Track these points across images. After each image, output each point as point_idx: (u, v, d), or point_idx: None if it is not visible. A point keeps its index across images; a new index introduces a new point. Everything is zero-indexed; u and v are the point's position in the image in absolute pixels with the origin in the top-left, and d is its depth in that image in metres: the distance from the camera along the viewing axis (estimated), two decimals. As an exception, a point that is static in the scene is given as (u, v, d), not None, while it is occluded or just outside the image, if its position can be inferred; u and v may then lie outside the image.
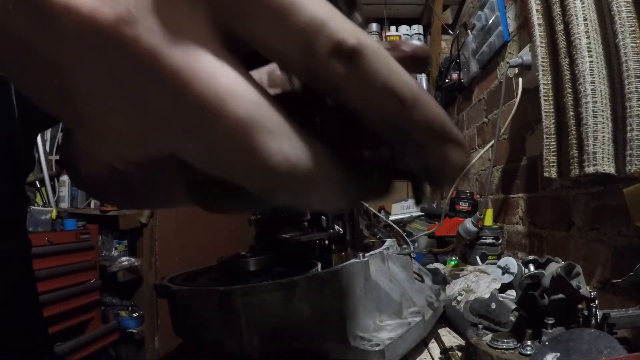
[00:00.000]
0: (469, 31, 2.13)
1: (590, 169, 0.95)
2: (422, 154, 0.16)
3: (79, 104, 0.16)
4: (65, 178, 2.52)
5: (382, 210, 2.28)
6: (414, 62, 0.19)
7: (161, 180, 0.26)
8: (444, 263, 1.72)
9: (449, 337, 0.93)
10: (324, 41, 0.14)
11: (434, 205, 2.34)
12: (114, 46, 0.14)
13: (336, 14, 0.15)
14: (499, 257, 1.56)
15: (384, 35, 3.19)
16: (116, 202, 0.29)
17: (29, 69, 0.15)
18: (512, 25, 1.69)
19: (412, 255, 1.06)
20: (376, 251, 0.90)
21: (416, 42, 0.20)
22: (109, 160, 0.21)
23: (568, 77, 1.04)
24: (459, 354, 0.84)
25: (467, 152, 0.16)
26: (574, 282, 0.66)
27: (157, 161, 0.24)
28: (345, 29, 0.14)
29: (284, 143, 0.14)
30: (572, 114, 1.03)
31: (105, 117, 0.16)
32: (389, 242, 1.04)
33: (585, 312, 0.66)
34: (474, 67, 2.08)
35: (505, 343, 0.69)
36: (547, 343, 0.62)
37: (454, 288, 1.20)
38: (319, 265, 0.80)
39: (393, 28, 3.26)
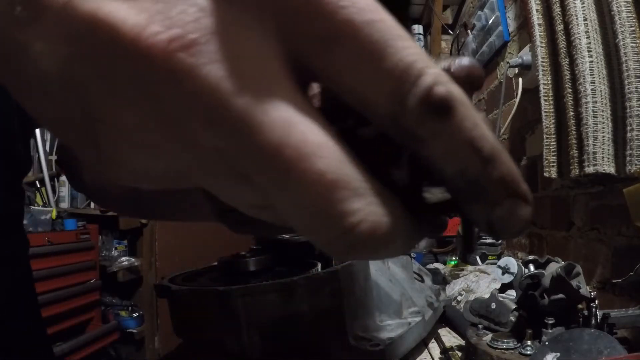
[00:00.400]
0: (469, 31, 2.13)
1: (590, 169, 0.95)
2: (489, 207, 0.15)
3: (102, 137, 0.13)
4: (65, 178, 2.52)
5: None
6: (466, 83, 0.16)
7: (185, 201, 0.23)
8: (444, 263, 1.72)
9: (449, 337, 0.93)
10: (416, 91, 0.13)
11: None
12: (163, 76, 0.12)
13: (427, 59, 0.13)
14: (499, 257, 1.56)
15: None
16: (124, 212, 0.27)
17: (37, 86, 0.13)
18: (512, 25, 1.69)
19: (412, 255, 1.06)
20: (376, 251, 0.90)
21: (466, 61, 0.17)
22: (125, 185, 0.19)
23: (568, 77, 1.04)
24: (459, 354, 0.84)
25: (533, 208, 0.15)
26: (574, 282, 0.66)
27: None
28: (439, 78, 0.13)
29: (365, 203, 0.13)
30: (572, 114, 1.03)
31: (135, 152, 0.13)
32: (389, 242, 1.03)
33: (585, 312, 0.66)
34: (474, 67, 2.08)
35: (505, 343, 0.69)
36: (547, 343, 0.62)
37: (454, 288, 1.20)
38: (319, 265, 0.79)
39: (393, 28, 3.26)
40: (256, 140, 0.12)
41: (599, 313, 0.65)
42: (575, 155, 1.02)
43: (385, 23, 0.13)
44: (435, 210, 0.17)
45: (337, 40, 0.13)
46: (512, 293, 0.78)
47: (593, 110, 0.96)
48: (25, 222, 0.50)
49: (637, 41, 0.88)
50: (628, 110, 0.88)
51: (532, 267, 0.73)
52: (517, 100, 1.49)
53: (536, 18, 1.19)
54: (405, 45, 0.13)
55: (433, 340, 0.92)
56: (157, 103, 0.12)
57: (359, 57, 0.13)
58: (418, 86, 0.13)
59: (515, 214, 0.15)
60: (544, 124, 1.16)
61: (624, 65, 0.89)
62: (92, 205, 2.48)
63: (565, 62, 1.05)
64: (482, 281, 1.17)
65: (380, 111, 0.13)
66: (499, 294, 0.79)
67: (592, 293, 0.67)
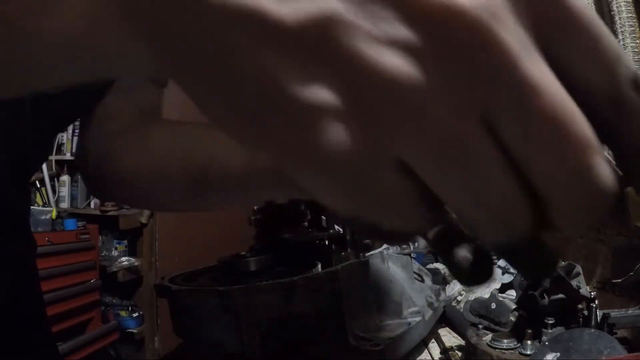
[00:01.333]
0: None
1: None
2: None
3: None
4: (65, 178, 2.51)
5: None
6: None
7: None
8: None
9: (449, 337, 0.93)
10: (628, 74, 0.15)
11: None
12: None
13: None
14: (499, 257, 1.56)
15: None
16: (165, 204, 0.28)
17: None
18: (512, 25, 1.70)
19: (412, 255, 1.06)
20: (376, 251, 0.90)
21: None
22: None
23: (568, 77, 1.04)
24: (459, 354, 0.84)
25: None
26: (574, 282, 0.66)
27: None
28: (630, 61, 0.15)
29: (605, 163, 0.14)
30: (572, 114, 1.03)
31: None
32: (389, 242, 1.03)
33: (585, 312, 0.66)
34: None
35: (505, 343, 0.69)
36: (547, 343, 0.62)
37: (454, 288, 1.20)
38: (319, 265, 0.80)
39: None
40: (535, 114, 0.13)
41: (599, 313, 0.65)
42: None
43: (596, 19, 0.15)
44: None
45: (575, 27, 0.14)
46: (512, 293, 0.78)
47: (593, 110, 0.96)
48: (25, 222, 0.50)
49: (637, 41, 0.88)
50: (628, 110, 0.89)
51: (532, 267, 0.73)
52: (517, 100, 1.49)
53: (536, 18, 1.19)
54: (610, 34, 0.15)
55: (433, 340, 0.92)
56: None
57: (590, 46, 0.15)
58: (628, 69, 0.15)
59: None
60: (544, 124, 1.16)
61: (624, 65, 0.89)
62: (92, 205, 2.48)
63: (565, 62, 1.05)
64: (482, 281, 1.17)
65: (602, 91, 0.15)
66: (499, 294, 0.79)
67: (592, 293, 0.67)
